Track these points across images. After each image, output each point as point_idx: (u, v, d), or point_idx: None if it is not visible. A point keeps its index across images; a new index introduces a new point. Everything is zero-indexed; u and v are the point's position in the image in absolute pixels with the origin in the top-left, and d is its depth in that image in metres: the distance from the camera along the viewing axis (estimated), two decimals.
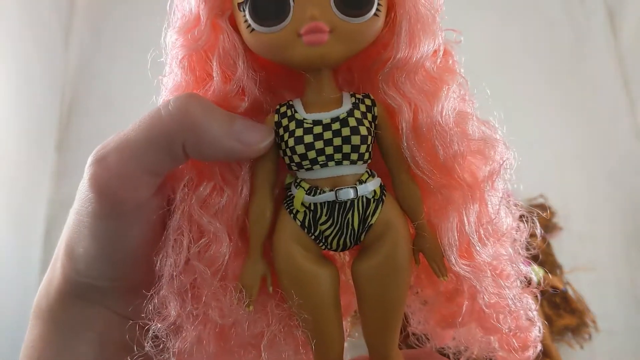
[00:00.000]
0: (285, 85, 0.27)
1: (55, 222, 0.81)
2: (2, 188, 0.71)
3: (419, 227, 0.25)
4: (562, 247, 0.76)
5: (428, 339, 0.30)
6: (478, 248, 0.25)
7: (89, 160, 0.23)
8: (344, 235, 0.25)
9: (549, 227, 0.78)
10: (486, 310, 0.26)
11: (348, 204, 0.24)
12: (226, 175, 0.25)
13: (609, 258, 0.78)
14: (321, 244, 0.25)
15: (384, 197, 0.25)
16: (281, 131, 0.24)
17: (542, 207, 0.80)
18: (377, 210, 0.24)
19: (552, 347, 0.69)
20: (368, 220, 0.24)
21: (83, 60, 0.92)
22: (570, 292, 0.73)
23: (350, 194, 0.24)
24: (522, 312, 0.27)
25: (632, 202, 0.82)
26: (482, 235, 0.25)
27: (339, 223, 0.24)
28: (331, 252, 0.27)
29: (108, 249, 0.24)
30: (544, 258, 0.76)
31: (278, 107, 0.25)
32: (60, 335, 0.26)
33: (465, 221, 0.24)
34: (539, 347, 0.28)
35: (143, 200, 0.24)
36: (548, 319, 0.68)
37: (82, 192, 0.24)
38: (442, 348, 0.30)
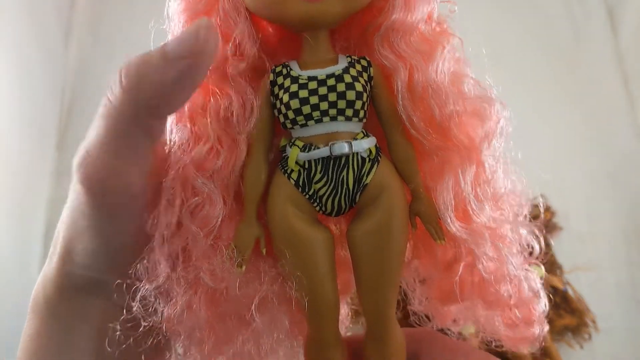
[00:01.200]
0: (283, 50, 0.27)
1: (56, 221, 0.80)
2: (3, 187, 0.71)
3: (415, 189, 0.25)
4: (562, 247, 0.76)
5: (429, 318, 0.30)
6: (474, 207, 0.24)
7: (75, 159, 0.23)
8: (338, 195, 0.24)
9: (549, 227, 0.79)
10: (485, 275, 0.25)
11: (342, 161, 0.24)
12: (222, 138, 0.24)
13: (609, 258, 0.78)
14: (315, 204, 0.25)
15: (379, 157, 0.25)
16: (276, 89, 0.24)
17: (542, 207, 0.80)
18: (372, 169, 0.24)
19: (552, 347, 0.69)
20: (363, 180, 0.24)
21: (83, 60, 0.92)
22: (570, 292, 0.73)
23: (345, 148, 0.23)
24: (524, 282, 0.26)
25: (632, 201, 0.82)
26: (480, 195, 0.24)
27: (334, 181, 0.24)
28: (327, 219, 0.27)
29: (105, 241, 0.24)
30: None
31: (274, 67, 0.25)
32: (58, 328, 0.26)
33: (462, 181, 0.24)
34: (546, 326, 0.28)
35: (137, 190, 0.24)
36: (548, 319, 0.69)
37: (73, 187, 0.24)
38: (444, 330, 0.30)
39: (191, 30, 0.22)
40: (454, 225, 0.24)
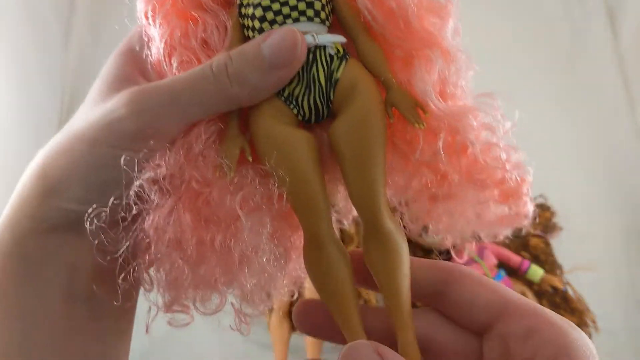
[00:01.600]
0: None
1: None
2: (2, 188, 0.71)
3: (387, 81, 0.25)
4: (562, 247, 0.77)
5: (427, 230, 0.29)
6: (453, 89, 0.25)
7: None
8: (312, 93, 0.25)
9: (549, 227, 0.79)
10: (474, 146, 0.25)
11: (311, 58, 0.25)
12: (205, 60, 0.25)
13: (608, 258, 0.78)
14: (292, 106, 0.25)
15: (347, 56, 0.25)
16: (243, 10, 0.25)
17: (543, 207, 0.80)
18: (341, 65, 0.25)
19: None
20: (334, 75, 0.25)
21: (83, 60, 0.92)
22: (570, 292, 0.73)
23: (309, 39, 0.24)
24: (511, 150, 0.26)
25: (632, 201, 0.82)
26: (455, 80, 0.25)
27: (306, 79, 0.25)
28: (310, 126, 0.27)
29: (100, 175, 0.24)
30: (544, 258, 0.76)
31: None
32: (26, 264, 0.25)
33: (434, 60, 0.24)
34: (534, 201, 0.27)
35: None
36: None
37: (114, 108, 0.24)
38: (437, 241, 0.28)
39: (289, 39, 0.24)
40: (435, 104, 0.24)
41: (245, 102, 0.24)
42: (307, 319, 0.27)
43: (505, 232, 0.28)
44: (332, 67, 0.25)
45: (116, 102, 0.24)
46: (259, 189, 0.24)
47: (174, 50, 0.25)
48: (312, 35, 0.25)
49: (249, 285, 0.25)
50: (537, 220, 0.78)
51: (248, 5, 0.25)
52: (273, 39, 0.24)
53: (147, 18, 0.26)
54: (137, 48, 0.27)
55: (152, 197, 0.23)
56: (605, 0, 0.95)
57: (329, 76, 0.25)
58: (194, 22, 0.25)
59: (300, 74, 0.25)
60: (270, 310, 0.75)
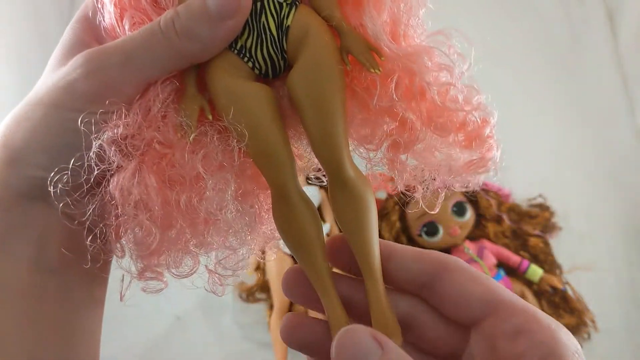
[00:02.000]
0: None
1: None
2: None
3: (338, 25, 0.25)
4: (561, 247, 0.77)
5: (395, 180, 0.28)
6: (403, 27, 0.24)
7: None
8: (265, 44, 0.25)
9: (548, 226, 0.79)
10: (431, 88, 0.24)
11: (259, 7, 0.24)
12: (157, 17, 0.25)
13: (608, 258, 0.79)
14: (247, 59, 0.25)
15: (297, 2, 0.25)
16: None
17: (542, 207, 0.80)
18: (290, 12, 0.24)
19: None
20: (284, 23, 0.24)
21: None
22: (569, 291, 0.73)
23: None
24: (472, 90, 0.25)
25: (631, 201, 0.82)
26: (408, 20, 0.24)
27: (256, 29, 0.24)
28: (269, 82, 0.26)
29: (61, 138, 0.24)
30: (544, 258, 0.76)
31: None
32: None
33: (383, 3, 0.24)
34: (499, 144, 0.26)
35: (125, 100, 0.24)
36: None
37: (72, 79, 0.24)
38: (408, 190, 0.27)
39: None
40: (392, 47, 0.24)
41: (197, 57, 0.24)
42: (296, 288, 0.26)
43: (475, 181, 0.27)
44: (282, 14, 0.24)
45: (71, 65, 0.24)
46: (220, 147, 0.24)
47: (124, 12, 0.25)
48: None
49: (216, 245, 0.25)
50: (537, 219, 0.78)
51: None
52: None
53: None
54: (91, 15, 0.27)
55: (113, 158, 0.23)
56: (605, 1, 0.96)
57: (280, 24, 0.24)
58: None
59: (250, 24, 0.24)
60: (270, 310, 0.76)
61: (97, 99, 0.23)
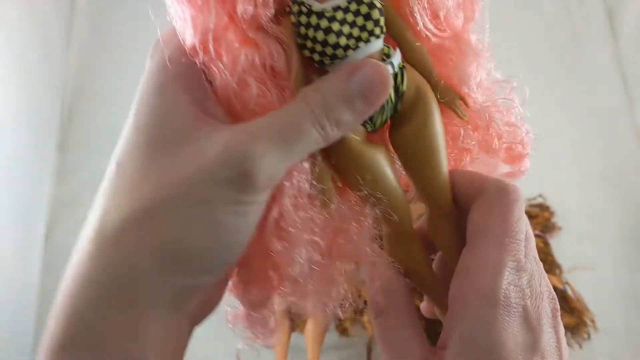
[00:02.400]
0: None
1: (56, 222, 0.81)
2: (3, 188, 0.71)
3: (436, 83, 0.27)
4: (561, 247, 0.77)
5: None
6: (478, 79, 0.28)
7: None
8: (385, 111, 0.26)
9: (548, 226, 0.79)
10: (500, 126, 0.29)
11: None
12: (274, 89, 0.24)
13: (608, 258, 0.79)
14: (366, 125, 0.26)
15: (403, 64, 0.26)
16: (303, 30, 0.24)
17: (542, 207, 0.80)
18: (404, 77, 0.26)
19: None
20: (400, 89, 0.26)
21: (83, 60, 0.92)
22: (569, 291, 0.73)
23: (390, 69, 0.25)
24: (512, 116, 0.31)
25: (631, 201, 0.82)
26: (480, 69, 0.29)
27: None
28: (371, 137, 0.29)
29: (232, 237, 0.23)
30: (543, 258, 0.76)
31: (289, 8, 0.25)
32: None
33: (468, 54, 0.28)
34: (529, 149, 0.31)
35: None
36: None
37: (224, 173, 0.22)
38: None
39: (380, 78, 0.24)
40: (477, 98, 0.28)
41: (335, 139, 0.25)
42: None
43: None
44: (398, 80, 0.26)
45: (214, 152, 0.22)
46: (354, 214, 0.27)
47: (244, 82, 0.23)
48: (390, 64, 0.25)
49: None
50: (536, 219, 0.78)
51: (311, 25, 0.24)
52: (363, 78, 0.23)
53: (205, 50, 0.23)
54: (183, 69, 0.24)
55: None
56: (605, 1, 0.96)
57: (396, 90, 0.26)
58: (257, 48, 0.24)
59: None
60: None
61: (253, 192, 0.22)
